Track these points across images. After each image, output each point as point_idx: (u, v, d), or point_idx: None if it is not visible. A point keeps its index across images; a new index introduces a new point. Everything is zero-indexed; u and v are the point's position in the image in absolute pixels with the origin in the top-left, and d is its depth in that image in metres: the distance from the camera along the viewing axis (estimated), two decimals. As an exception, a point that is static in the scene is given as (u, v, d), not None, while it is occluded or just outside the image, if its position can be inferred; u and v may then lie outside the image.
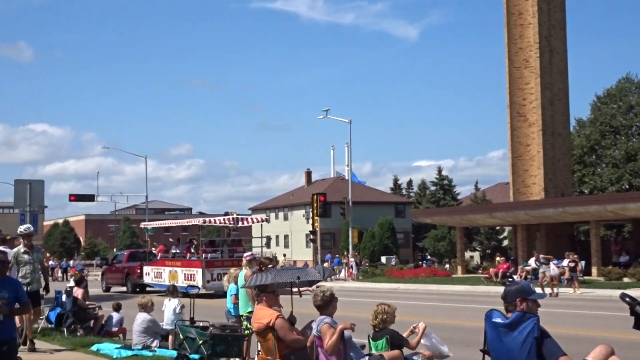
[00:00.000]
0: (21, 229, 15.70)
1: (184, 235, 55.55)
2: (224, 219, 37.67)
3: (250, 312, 13.65)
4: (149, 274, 39.07)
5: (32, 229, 15.86)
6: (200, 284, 33.03)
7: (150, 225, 45.45)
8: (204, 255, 34.90)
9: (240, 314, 14.34)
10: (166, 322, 16.17)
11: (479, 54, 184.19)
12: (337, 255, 70.51)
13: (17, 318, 12.04)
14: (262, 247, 38.28)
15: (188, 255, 36.81)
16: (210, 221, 39.30)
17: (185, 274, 35.26)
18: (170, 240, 45.72)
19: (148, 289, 39.13)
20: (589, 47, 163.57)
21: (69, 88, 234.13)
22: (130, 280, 41.37)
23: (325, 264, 59.26)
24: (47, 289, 16.39)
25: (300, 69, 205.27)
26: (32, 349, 14.52)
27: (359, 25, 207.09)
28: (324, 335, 9.14)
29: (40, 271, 15.91)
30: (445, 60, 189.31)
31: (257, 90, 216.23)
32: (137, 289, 40.07)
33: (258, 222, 38.29)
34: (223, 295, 30.28)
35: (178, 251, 38.63)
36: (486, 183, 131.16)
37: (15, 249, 15.63)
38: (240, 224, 37.37)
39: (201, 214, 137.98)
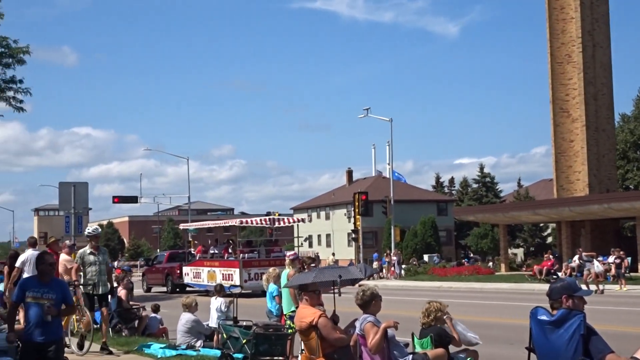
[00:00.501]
0: (89, 229, 15.61)
1: (225, 235, 55.88)
2: (261, 220, 38.29)
3: (294, 311, 13.70)
4: (188, 274, 39.51)
5: (99, 230, 15.79)
6: (237, 284, 33.10)
7: (190, 226, 45.87)
8: (241, 255, 35.32)
9: (284, 313, 14.39)
10: (212, 321, 16.27)
11: (520, 49, 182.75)
12: (384, 254, 70.30)
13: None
14: (298, 246, 38.50)
15: (226, 255, 37.25)
16: (247, 222, 39.74)
17: (223, 274, 35.65)
18: (209, 241, 46.08)
19: (188, 288, 39.48)
20: (633, 41, 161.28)
21: (112, 91, 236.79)
22: (170, 280, 41.83)
23: (375, 264, 59.05)
24: (112, 291, 16.28)
25: (340, 68, 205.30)
26: (109, 352, 14.58)
27: (399, 23, 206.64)
28: (367, 333, 9.12)
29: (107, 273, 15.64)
30: (487, 56, 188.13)
31: (298, 89, 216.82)
32: (177, 289, 40.59)
33: (295, 222, 38.87)
34: (261, 294, 30.48)
35: (216, 251, 39.05)
36: (529, 180, 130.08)
37: (81, 250, 15.58)
38: (277, 224, 37.89)
39: (243, 214, 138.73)
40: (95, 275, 15.04)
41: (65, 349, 11.57)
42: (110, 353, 14.55)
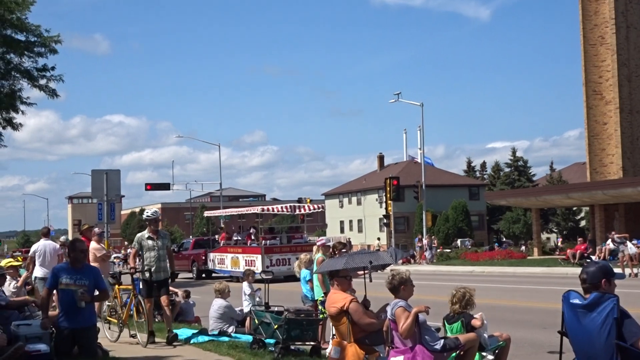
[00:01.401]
0: (147, 212, 14.72)
1: (256, 222, 56.43)
2: (282, 207, 39.16)
3: (324, 297, 13.74)
4: (212, 261, 40.25)
5: (158, 213, 14.93)
6: (259, 270, 33.41)
7: (213, 213, 47.07)
8: (263, 242, 36.03)
9: (315, 298, 14.43)
10: (244, 306, 16.36)
11: (553, 32, 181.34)
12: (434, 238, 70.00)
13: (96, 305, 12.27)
14: (319, 232, 39.28)
15: (249, 242, 37.99)
16: (269, 209, 39.91)
17: (246, 260, 36.38)
18: (239, 227, 46.61)
19: (214, 275, 40.00)
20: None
21: (144, 78, 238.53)
22: (195, 266, 42.32)
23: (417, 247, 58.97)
24: (173, 276, 15.87)
25: (371, 52, 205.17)
26: (174, 338, 13.88)
27: (429, 7, 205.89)
28: (399, 318, 9.10)
29: (168, 258, 14.68)
30: (519, 39, 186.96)
31: (329, 75, 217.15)
32: (203, 275, 41.43)
33: (316, 209, 39.83)
34: (283, 280, 30.62)
35: (239, 238, 39.73)
36: (562, 163, 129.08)
37: (139, 234, 14.69)
38: (298, 212, 39.08)
39: (275, 200, 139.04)
40: (153, 261, 14.15)
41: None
42: (175, 340, 13.88)
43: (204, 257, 41.52)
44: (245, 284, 16.81)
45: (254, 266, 34.60)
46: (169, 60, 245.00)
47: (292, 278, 33.13)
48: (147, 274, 14.11)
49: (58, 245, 19.43)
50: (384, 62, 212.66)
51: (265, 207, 40.21)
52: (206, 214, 49.18)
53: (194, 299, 19.41)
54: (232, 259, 37.85)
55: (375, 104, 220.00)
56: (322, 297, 13.88)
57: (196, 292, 23.40)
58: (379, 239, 73.97)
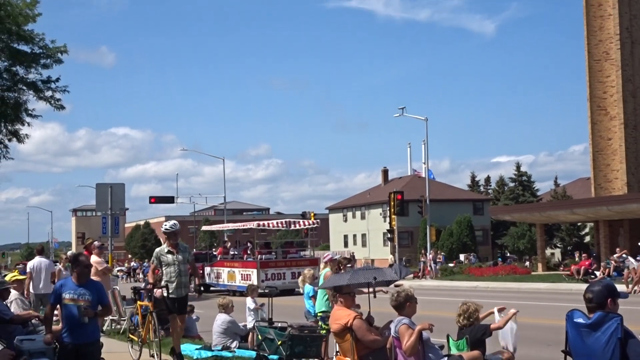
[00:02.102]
0: (166, 225, 13.86)
1: (261, 236, 56.65)
2: (277, 223, 39.75)
3: (323, 312, 13.75)
4: (209, 275, 40.71)
5: (177, 226, 13.98)
6: (255, 284, 33.52)
7: (212, 228, 48.60)
8: (259, 256, 36.74)
9: (315, 312, 14.43)
10: (248, 321, 16.34)
11: (557, 46, 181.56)
12: (443, 253, 69.89)
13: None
14: (312, 248, 41.42)
15: (245, 256, 38.79)
16: (265, 224, 40.36)
17: (242, 274, 36.91)
18: (247, 242, 47.08)
19: (212, 288, 40.25)
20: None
21: (149, 91, 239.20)
22: (193, 280, 42.54)
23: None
24: (198, 291, 15.48)
25: (376, 66, 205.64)
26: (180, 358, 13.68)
27: (435, 21, 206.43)
28: (402, 336, 9.08)
29: (190, 273, 14.15)
30: (524, 54, 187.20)
31: (334, 89, 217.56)
32: (201, 289, 41.16)
33: (310, 225, 40.33)
34: (279, 294, 30.76)
35: (236, 253, 40.63)
36: (567, 178, 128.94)
37: (158, 249, 14.01)
38: (293, 227, 40.33)
39: (278, 214, 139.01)
40: (173, 277, 13.45)
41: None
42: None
43: (201, 271, 41.49)
44: (249, 299, 16.80)
45: (250, 280, 35.05)
46: (174, 73, 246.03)
47: (288, 292, 33.29)
48: (166, 291, 13.49)
49: (52, 262, 19.78)
50: (389, 75, 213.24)
51: (261, 223, 40.55)
52: (204, 228, 50.06)
53: (197, 314, 19.39)
54: (228, 273, 38.33)
55: (380, 117, 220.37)
56: (322, 312, 13.88)
57: (199, 307, 23.35)
58: (393, 254, 73.40)
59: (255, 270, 35.57)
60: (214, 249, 45.36)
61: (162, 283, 13.56)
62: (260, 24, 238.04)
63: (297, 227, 40.18)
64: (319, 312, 13.90)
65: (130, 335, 14.84)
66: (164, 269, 13.58)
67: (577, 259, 43.59)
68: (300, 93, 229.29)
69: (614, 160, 51.51)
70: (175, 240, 13.85)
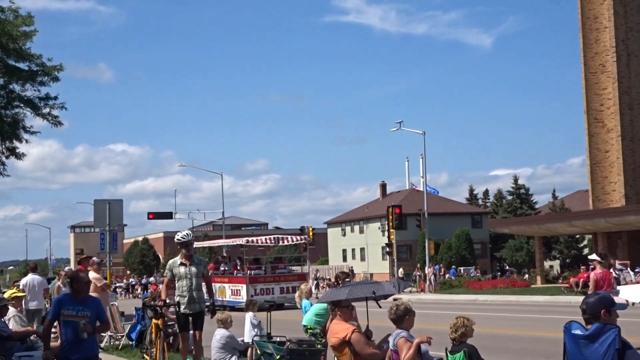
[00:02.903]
0: (179, 235, 12.98)
1: (258, 251, 56.95)
2: (266, 239, 40.65)
3: (313, 328, 13.76)
4: None
5: (190, 236, 13.08)
6: (244, 299, 34.23)
7: (204, 244, 49.81)
8: (248, 272, 37.59)
9: (304, 323, 14.41)
10: (246, 336, 16.29)
11: (554, 59, 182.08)
12: (453, 267, 69.91)
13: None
14: (302, 264, 43.29)
15: (235, 272, 39.49)
16: (253, 241, 40.93)
17: (231, 289, 37.86)
18: (219, 257, 48.29)
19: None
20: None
21: (147, 107, 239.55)
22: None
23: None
24: (212, 310, 13.60)
25: (374, 81, 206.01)
26: None
27: (432, 35, 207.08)
28: (401, 349, 9.08)
29: (205, 287, 13.26)
30: (521, 67, 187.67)
31: (332, 103, 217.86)
32: (214, 308, 41.45)
33: (297, 241, 41.87)
34: (268, 308, 30.76)
35: (226, 268, 41.31)
36: (565, 191, 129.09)
37: (171, 261, 13.14)
38: (281, 243, 42.01)
39: (277, 229, 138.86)
40: (186, 291, 12.62)
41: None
42: None
43: None
44: (250, 314, 16.74)
45: (240, 295, 36.13)
46: (172, 89, 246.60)
47: (277, 307, 33.36)
48: (180, 306, 12.74)
49: (45, 280, 20.17)
50: (386, 89, 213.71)
51: (250, 239, 41.01)
52: (196, 245, 50.64)
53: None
54: (219, 289, 38.66)
55: (378, 131, 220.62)
56: (314, 325, 13.84)
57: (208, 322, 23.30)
58: (402, 268, 72.90)
59: (244, 286, 36.36)
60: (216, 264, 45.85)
61: (175, 298, 12.92)
62: (258, 39, 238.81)
63: (286, 242, 41.56)
64: (310, 325, 13.92)
65: (145, 356, 14.19)
66: (176, 282, 12.81)
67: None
68: (297, 108, 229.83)
69: (612, 173, 51.60)
70: (189, 251, 12.90)
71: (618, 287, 15.17)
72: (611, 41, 51.62)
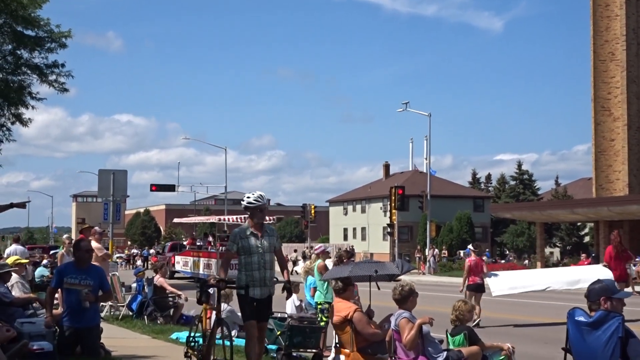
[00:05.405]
0: (250, 198, 9.95)
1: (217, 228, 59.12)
2: (236, 218, 41.56)
3: (322, 303, 13.82)
4: (179, 263, 43.67)
5: (264, 199, 10.03)
6: (215, 273, 35.29)
7: (183, 220, 51.44)
8: (219, 247, 38.90)
9: (316, 300, 14.48)
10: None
11: (564, 46, 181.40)
12: (487, 250, 69.28)
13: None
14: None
15: (209, 247, 41.75)
16: (225, 219, 43.82)
17: (204, 263, 39.37)
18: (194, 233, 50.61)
19: (176, 275, 43.01)
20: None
21: (154, 78, 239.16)
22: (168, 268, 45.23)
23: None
24: (288, 289, 10.14)
25: (383, 60, 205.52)
26: None
27: (441, 17, 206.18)
28: (402, 329, 9.11)
29: (278, 264, 10.17)
30: (530, 52, 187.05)
31: (341, 81, 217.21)
32: (174, 276, 43.88)
33: (271, 221, 42.53)
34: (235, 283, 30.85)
35: (202, 244, 44.32)
36: (569, 178, 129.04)
37: (237, 230, 10.07)
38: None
39: (279, 206, 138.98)
40: (256, 270, 9.74)
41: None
42: None
43: (173, 260, 44.71)
44: (294, 296, 16.69)
45: (211, 269, 37.35)
46: (181, 61, 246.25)
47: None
48: (245, 292, 9.75)
49: (26, 249, 21.04)
50: (394, 70, 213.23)
51: (222, 218, 44.38)
52: (175, 220, 54.66)
53: (192, 302, 19.38)
54: (194, 262, 40.86)
55: (384, 111, 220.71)
56: (322, 303, 13.92)
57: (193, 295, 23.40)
58: (419, 249, 72.34)
59: (215, 260, 37.67)
60: (183, 239, 48.46)
61: (242, 278, 9.81)
62: (268, 13, 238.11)
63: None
64: (319, 303, 13.97)
65: (190, 351, 10.83)
66: (242, 258, 9.83)
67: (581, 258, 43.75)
68: (305, 84, 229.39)
69: (616, 162, 51.49)
70: (261, 219, 10.02)
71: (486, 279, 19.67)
72: (622, 29, 51.34)
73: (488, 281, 20.86)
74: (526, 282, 21.32)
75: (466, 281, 20.29)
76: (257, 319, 9.78)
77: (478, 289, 20.08)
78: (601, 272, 19.67)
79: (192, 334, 10.88)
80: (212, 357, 9.93)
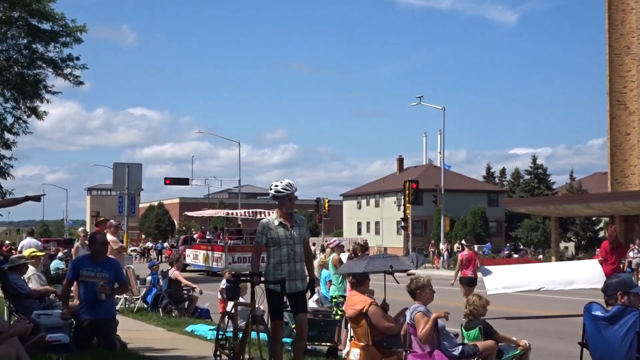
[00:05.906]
0: (278, 186, 9.48)
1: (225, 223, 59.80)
2: (244, 212, 43.27)
3: (337, 297, 13.87)
4: (189, 256, 44.65)
5: (294, 187, 9.51)
6: (223, 265, 36.82)
7: (195, 214, 51.24)
8: (228, 241, 40.55)
9: (332, 294, 14.53)
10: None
11: (579, 39, 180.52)
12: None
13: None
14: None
15: (218, 241, 42.81)
16: (233, 214, 44.92)
17: (213, 256, 40.47)
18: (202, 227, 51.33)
19: (188, 268, 43.13)
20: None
21: (168, 72, 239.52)
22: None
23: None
24: (312, 289, 9.86)
25: (396, 54, 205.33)
26: None
27: (456, 10, 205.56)
28: (418, 323, 9.11)
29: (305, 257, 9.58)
30: (545, 45, 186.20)
31: (354, 75, 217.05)
32: (186, 268, 44.11)
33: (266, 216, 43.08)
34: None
35: (212, 237, 45.88)
36: (584, 172, 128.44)
37: (264, 220, 9.56)
38: (258, 217, 44.64)
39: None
40: (285, 262, 9.30)
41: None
42: None
43: (184, 253, 45.03)
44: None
45: (219, 262, 38.56)
46: (194, 55, 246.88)
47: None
48: (274, 283, 9.26)
49: (40, 243, 21.55)
50: (408, 64, 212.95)
51: (230, 212, 45.61)
52: (186, 213, 55.78)
53: (207, 295, 19.45)
54: (203, 255, 42.00)
55: (398, 105, 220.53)
56: (338, 296, 13.97)
57: (211, 289, 23.44)
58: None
59: (223, 254, 38.79)
60: (193, 232, 49.04)
61: (274, 272, 9.35)
62: (281, 8, 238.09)
63: (264, 217, 42.93)
64: (337, 295, 14.02)
65: (220, 350, 10.12)
66: (272, 249, 9.38)
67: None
68: (319, 78, 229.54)
69: (632, 156, 51.25)
70: (290, 208, 9.49)
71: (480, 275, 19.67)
72: (637, 23, 51.05)
73: (483, 278, 21.05)
74: (520, 282, 21.36)
75: (458, 274, 20.62)
76: (294, 312, 9.54)
77: (470, 283, 20.30)
78: (591, 268, 20.33)
79: (222, 332, 10.27)
80: (245, 357, 9.36)
